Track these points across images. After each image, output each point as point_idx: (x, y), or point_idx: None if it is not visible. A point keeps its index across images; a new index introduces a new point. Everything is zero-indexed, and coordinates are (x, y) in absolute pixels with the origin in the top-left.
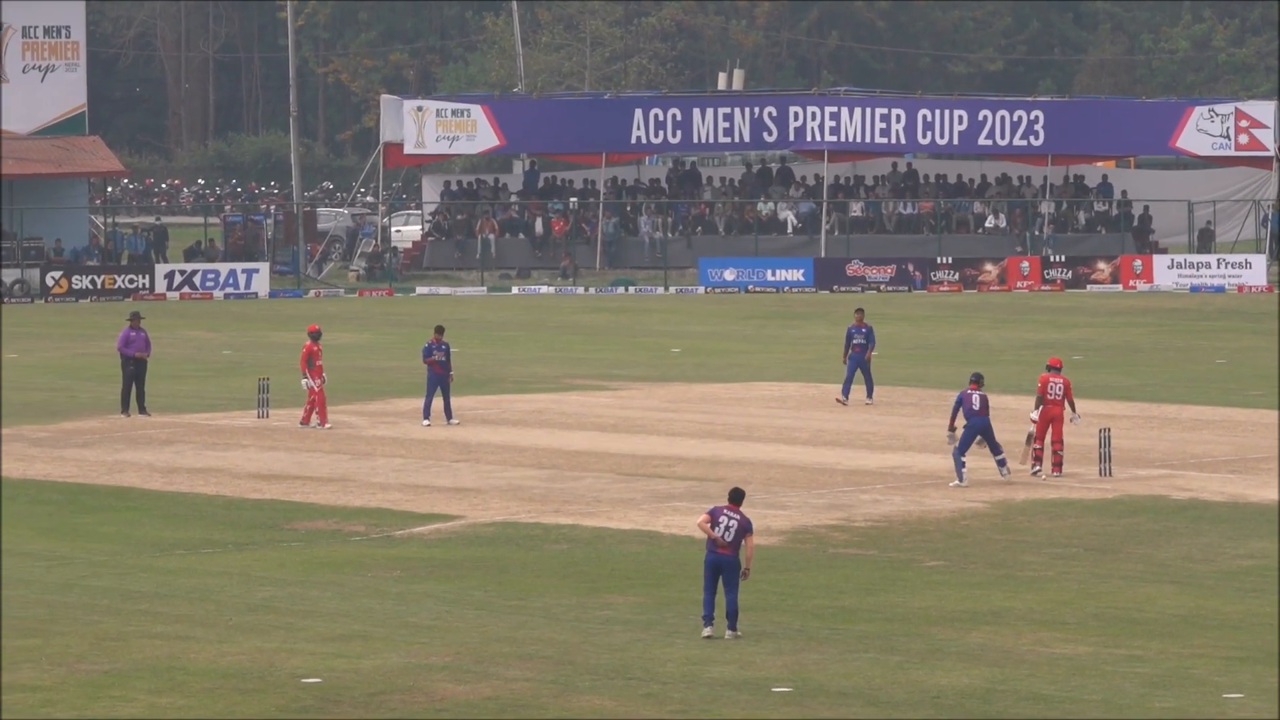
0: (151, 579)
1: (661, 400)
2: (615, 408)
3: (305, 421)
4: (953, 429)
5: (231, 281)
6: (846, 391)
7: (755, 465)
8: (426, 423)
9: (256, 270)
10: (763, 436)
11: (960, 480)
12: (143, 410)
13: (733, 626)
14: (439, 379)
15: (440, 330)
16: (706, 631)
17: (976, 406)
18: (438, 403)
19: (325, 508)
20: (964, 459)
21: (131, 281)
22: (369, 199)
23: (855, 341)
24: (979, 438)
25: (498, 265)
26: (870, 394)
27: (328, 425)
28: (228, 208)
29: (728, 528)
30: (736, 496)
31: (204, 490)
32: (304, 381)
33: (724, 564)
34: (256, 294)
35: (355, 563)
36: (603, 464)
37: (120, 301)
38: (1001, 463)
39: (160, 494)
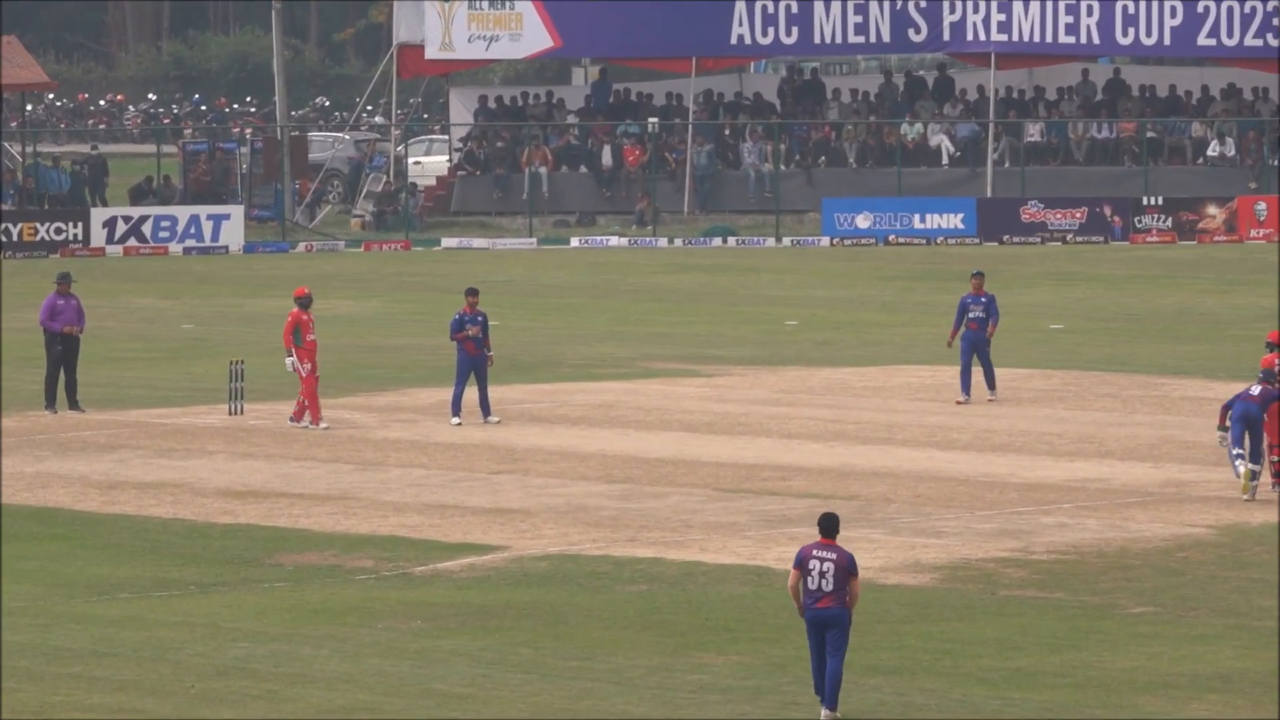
0: (86, 632)
1: (772, 390)
2: (710, 400)
3: (297, 418)
4: (1225, 427)
5: (193, 232)
6: (967, 386)
7: (899, 477)
8: (457, 420)
9: (227, 216)
10: (909, 438)
11: (1239, 476)
12: (74, 404)
13: (831, 705)
14: (473, 362)
15: (475, 295)
16: (826, 716)
17: (1255, 393)
18: (471, 394)
19: (320, 535)
20: (1239, 449)
21: (59, 231)
22: (378, 120)
23: (972, 316)
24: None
25: (552, 209)
26: (992, 386)
27: (322, 425)
28: (188, 132)
29: (824, 574)
30: (829, 526)
31: (157, 512)
32: (289, 361)
33: (828, 620)
34: (227, 248)
35: (361, 609)
36: (694, 476)
37: (43, 259)
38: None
39: (98, 517)
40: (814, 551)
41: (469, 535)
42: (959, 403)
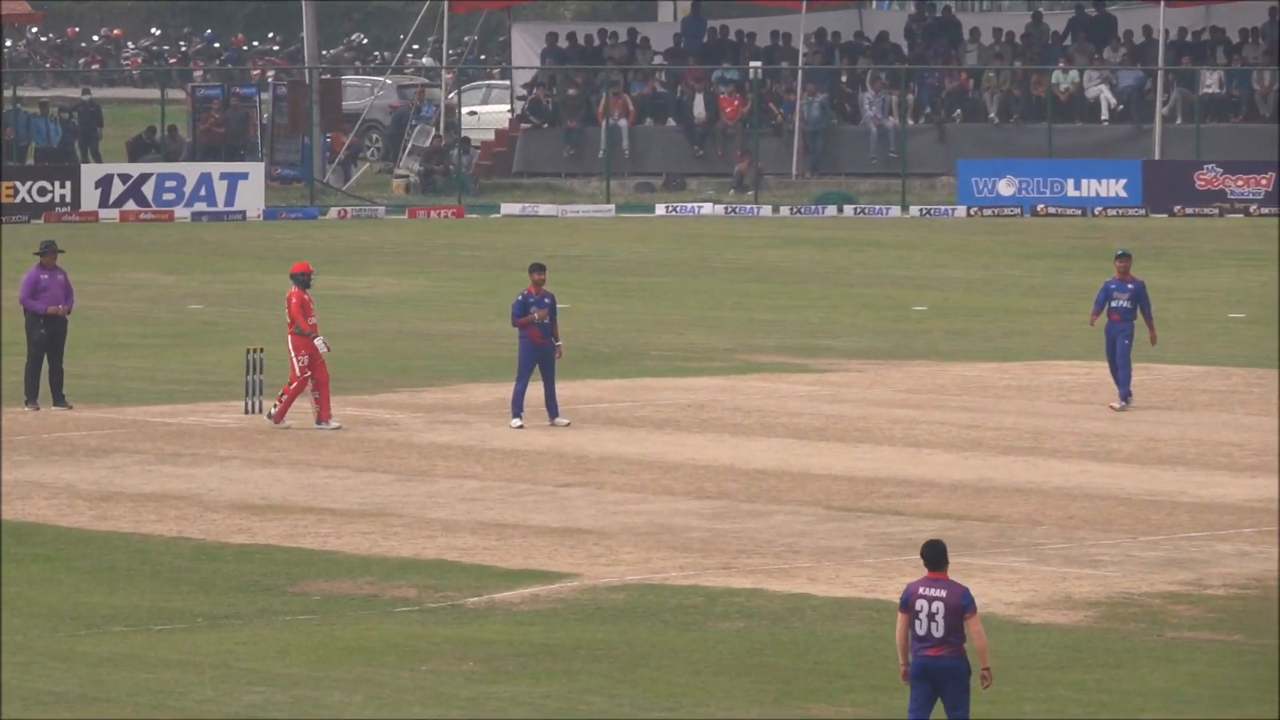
0: (73, 673)
1: (896, 389)
2: (823, 400)
3: (325, 418)
4: None
5: (204, 194)
6: (1126, 388)
7: (1047, 495)
8: (518, 422)
9: (244, 176)
10: (1060, 448)
11: None
12: (59, 399)
13: None
14: (539, 353)
15: (542, 272)
16: None
17: None
18: (536, 391)
19: (353, 559)
20: None
21: (43, 192)
22: (425, 62)
23: (1115, 306)
24: None
25: (633, 169)
26: (1125, 390)
27: (333, 424)
28: (198, 74)
29: (933, 615)
30: (935, 557)
31: (158, 529)
32: (319, 342)
33: (939, 672)
34: (244, 214)
35: (402, 648)
36: (801, 491)
37: (24, 224)
38: None
39: (87, 535)
40: (920, 589)
41: (531, 560)
42: (1114, 408)
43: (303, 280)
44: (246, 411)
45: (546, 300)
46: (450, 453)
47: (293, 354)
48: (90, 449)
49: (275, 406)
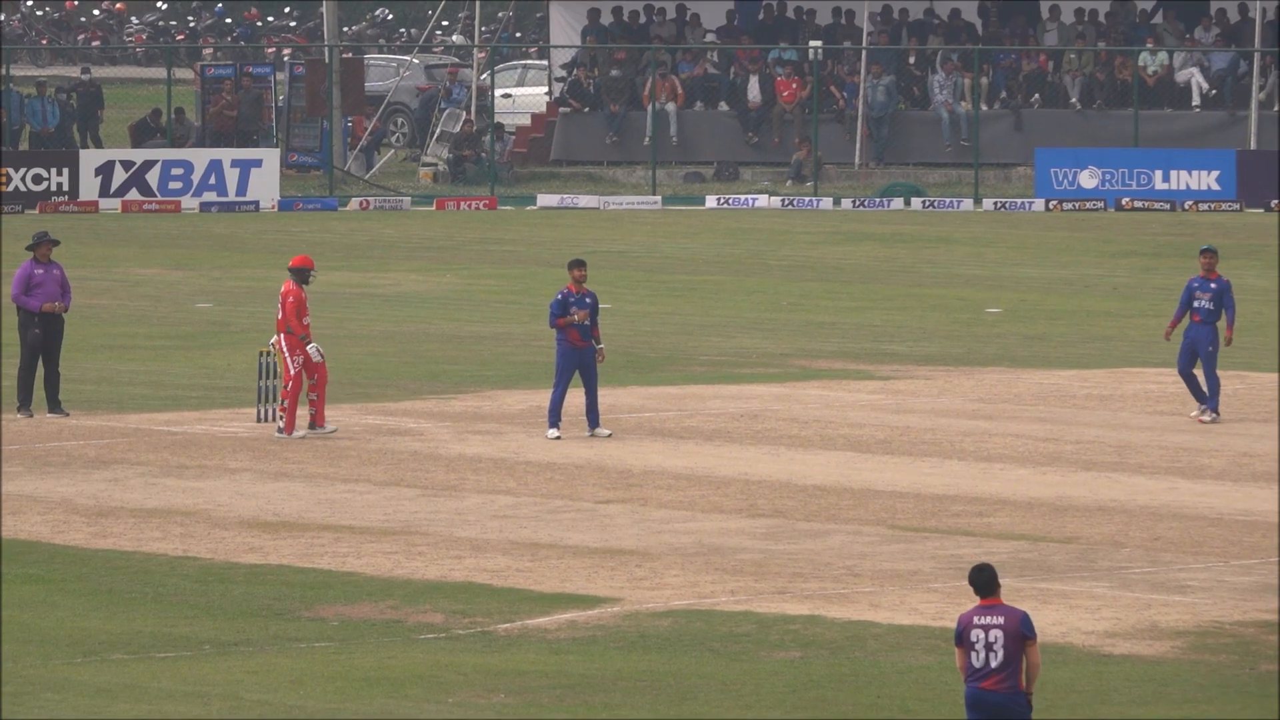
0: (69, 703)
1: (968, 398)
2: (886, 410)
3: (319, 421)
4: None
5: (213, 182)
6: (1200, 396)
7: (1131, 514)
8: (555, 433)
9: (257, 163)
10: (1145, 463)
11: None
12: (55, 406)
13: None
14: (578, 357)
15: (582, 269)
16: None
17: None
18: (576, 398)
19: (375, 581)
20: None
21: (38, 180)
22: (456, 40)
23: (1197, 306)
24: None
25: (682, 158)
26: (1212, 401)
27: (329, 427)
28: (207, 52)
29: (990, 645)
30: (986, 583)
31: (161, 548)
32: (313, 348)
33: (996, 707)
34: (257, 204)
35: (427, 679)
36: (863, 509)
37: (18, 215)
38: None
39: (85, 554)
40: (974, 619)
41: (568, 583)
42: (1198, 419)
43: (302, 276)
44: (259, 420)
45: (588, 300)
46: (481, 466)
47: (286, 355)
48: (88, 460)
49: (281, 418)
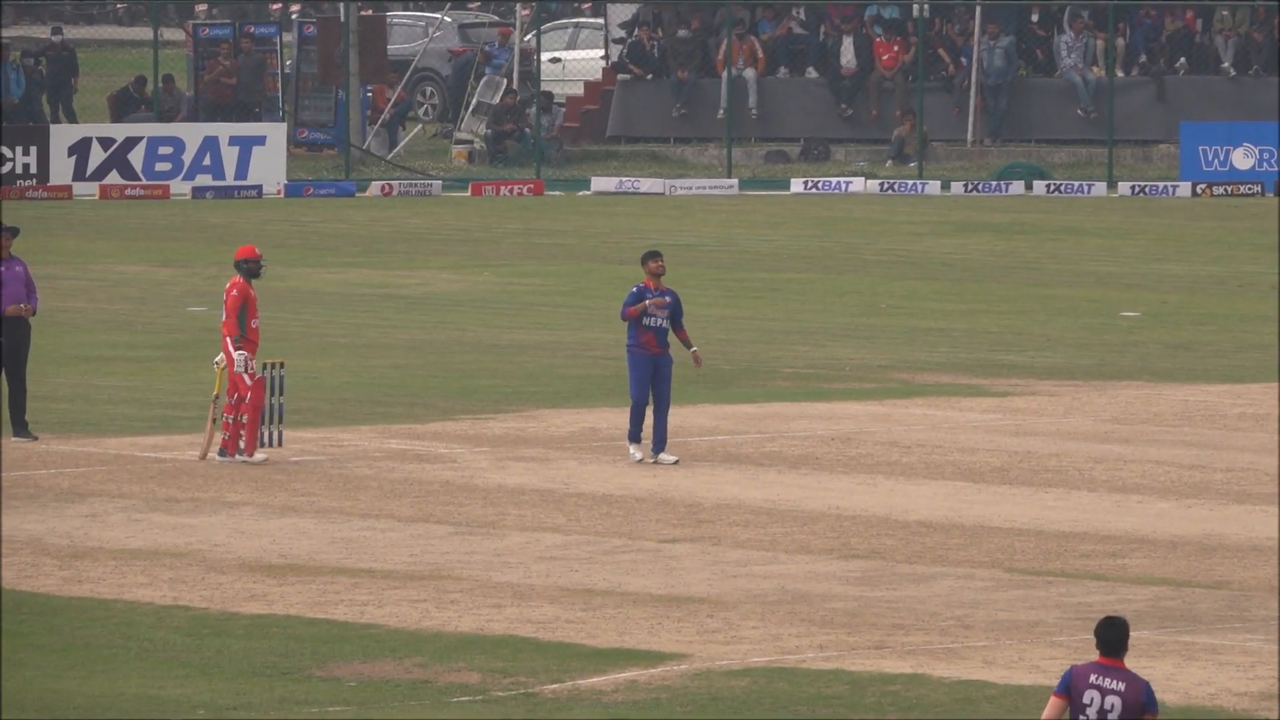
0: None
1: (1100, 418)
2: (1003, 433)
3: (232, 451)
4: None
5: (208, 164)
6: None
7: None
8: (639, 454)
9: (260, 140)
10: None
11: None
12: (20, 428)
13: None
14: (651, 365)
15: (657, 260)
16: None
17: None
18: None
19: (400, 634)
20: None
21: (0, 161)
22: None
23: None
24: None
25: (762, 134)
26: None
27: (258, 456)
28: (201, 10)
29: (1105, 713)
30: (1116, 641)
31: (147, 595)
32: (239, 357)
33: None
34: (260, 189)
35: None
36: (976, 549)
37: None
38: None
39: (57, 602)
40: (1092, 677)
41: (628, 637)
42: None
43: (249, 268)
44: (263, 444)
45: (668, 298)
46: (524, 498)
47: (250, 359)
48: (61, 492)
49: (243, 442)
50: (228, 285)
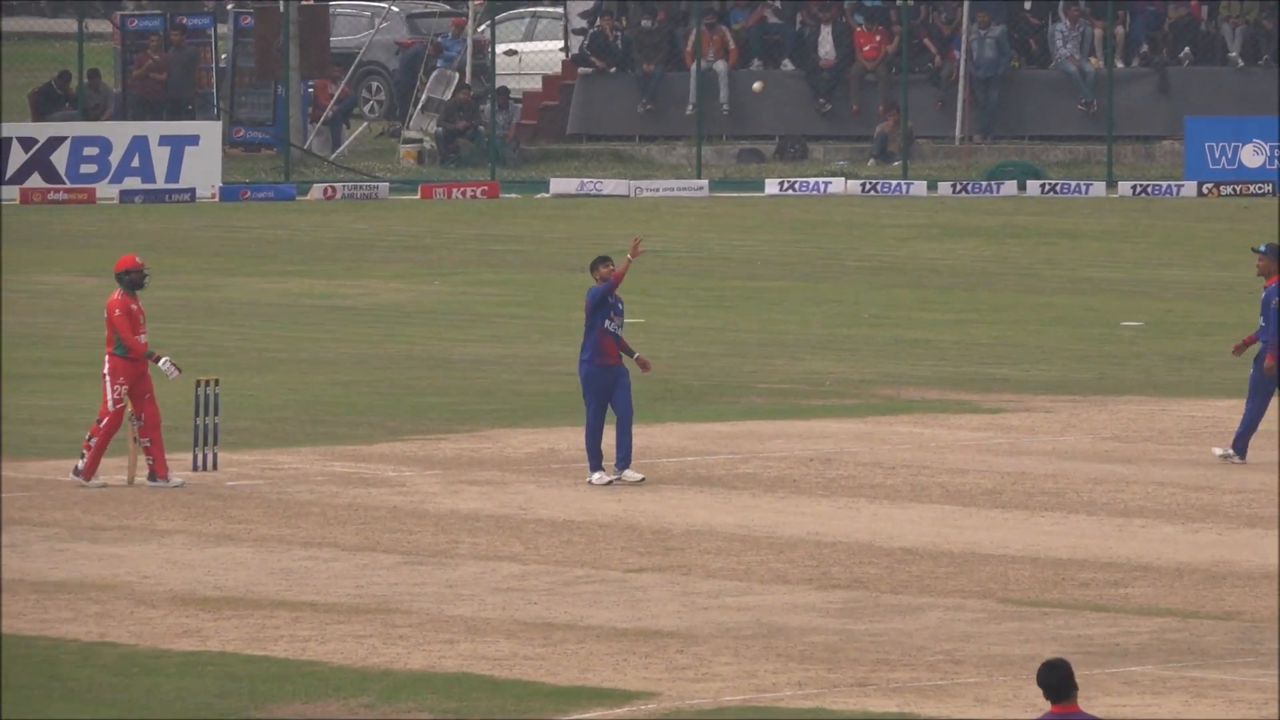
0: None
1: (1099, 435)
2: (996, 452)
3: (162, 474)
4: None
5: (137, 165)
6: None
7: None
8: (601, 476)
9: (193, 140)
10: None
11: None
12: None
13: None
14: (609, 377)
15: (608, 266)
16: None
17: None
18: (611, 434)
19: (345, 672)
20: None
21: None
22: None
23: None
24: None
25: (734, 131)
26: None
27: (175, 480)
28: (129, 0)
29: None
30: (1060, 685)
31: (72, 631)
32: (165, 363)
33: None
34: (193, 193)
35: None
36: (966, 578)
37: None
38: None
39: None
40: None
41: (591, 674)
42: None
43: (131, 281)
44: (195, 467)
45: (620, 305)
46: (478, 525)
47: (108, 382)
48: None
49: (82, 458)
50: (108, 301)
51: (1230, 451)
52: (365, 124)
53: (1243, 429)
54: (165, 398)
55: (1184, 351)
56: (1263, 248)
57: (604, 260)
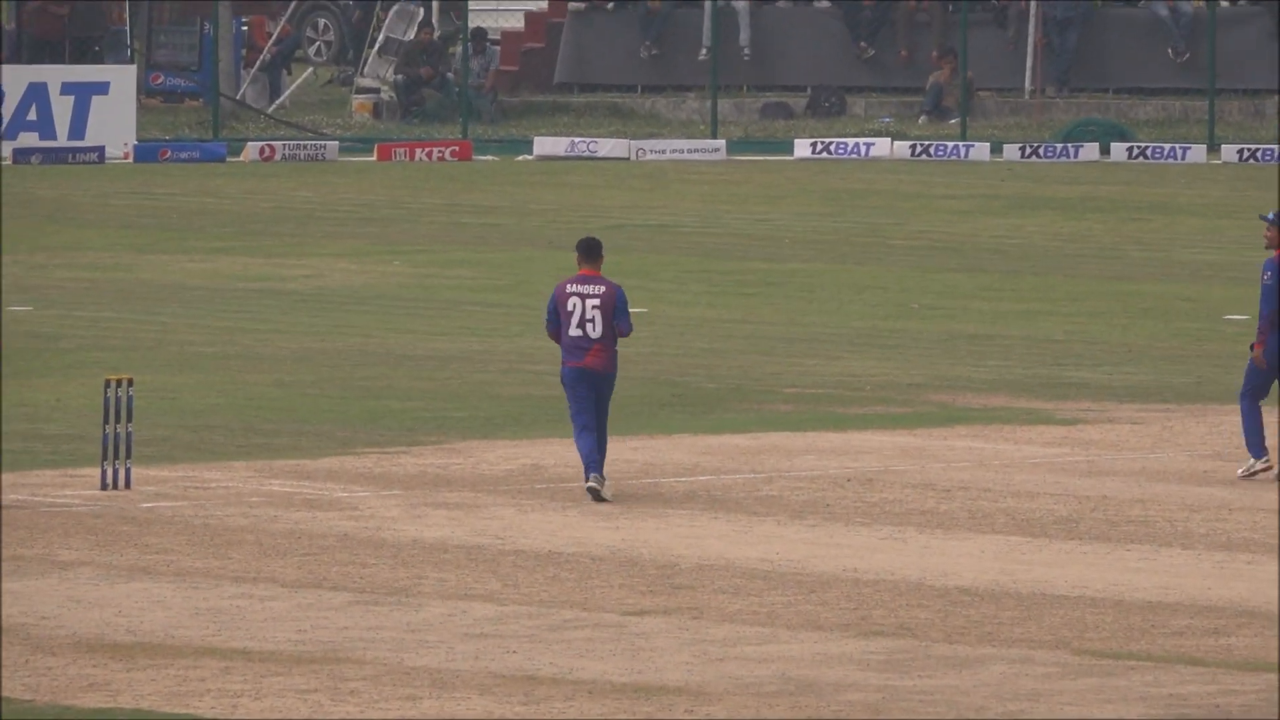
0: None
1: (1198, 451)
2: (1073, 472)
3: None
4: None
5: (33, 117)
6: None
7: None
8: (597, 486)
9: (102, 89)
10: None
11: None
12: None
13: None
14: (592, 382)
15: (592, 253)
16: None
17: None
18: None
19: None
20: None
21: None
22: None
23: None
24: None
25: (758, 80)
26: None
27: None
28: None
29: None
30: None
31: None
32: None
33: None
34: (102, 151)
35: None
36: (1035, 624)
37: None
38: None
39: None
40: None
41: None
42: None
43: None
44: (104, 486)
45: (597, 293)
46: (446, 557)
47: None
48: None
49: None
50: None
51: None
52: (310, 70)
53: None
54: (70, 398)
55: None
56: (1271, 215)
57: (588, 251)
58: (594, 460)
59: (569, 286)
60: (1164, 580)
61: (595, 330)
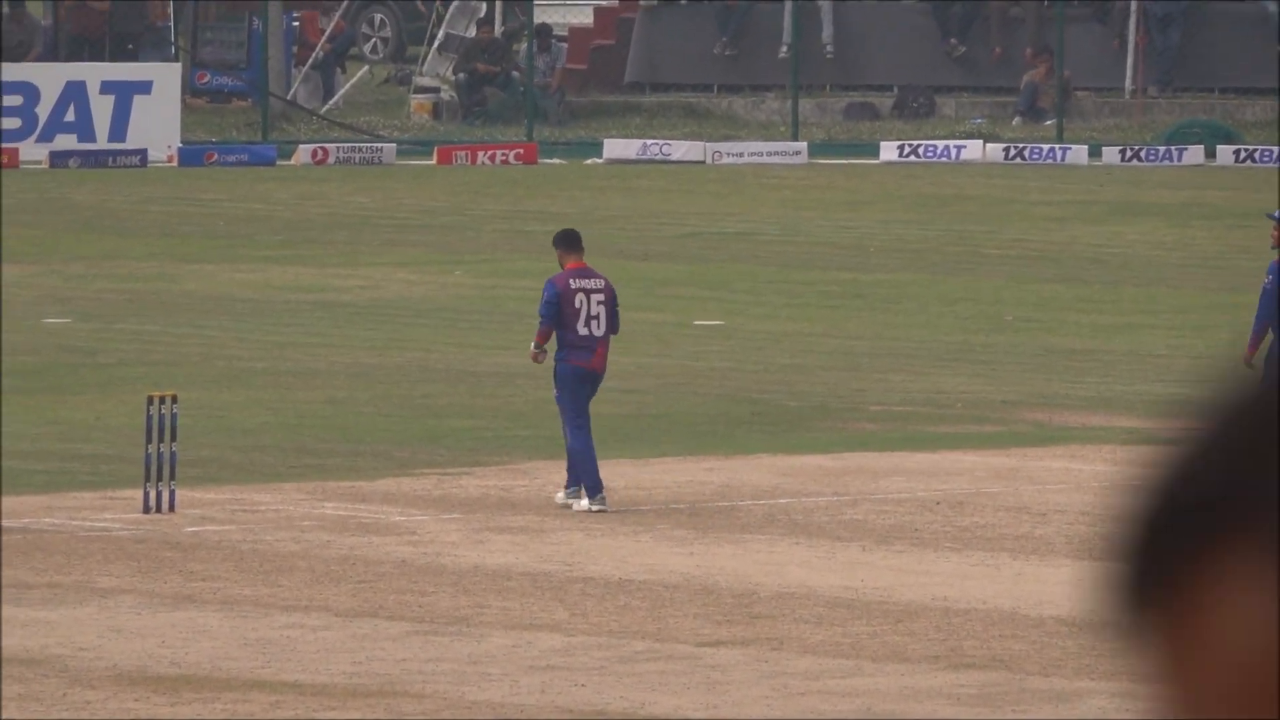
0: None
1: None
2: None
3: None
4: None
5: (71, 119)
6: None
7: None
8: (598, 504)
9: (145, 88)
10: None
11: None
12: None
13: None
14: (594, 383)
15: (578, 244)
16: None
17: None
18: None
19: None
20: None
21: None
22: None
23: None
24: None
25: (841, 80)
26: None
27: None
28: None
29: None
30: None
31: None
32: None
33: None
34: (144, 155)
35: None
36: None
37: None
38: None
39: None
40: None
41: None
42: None
43: None
44: (147, 509)
45: (604, 292)
46: (511, 584)
47: None
48: None
49: None
50: None
51: None
52: (366, 68)
53: None
54: (110, 416)
55: None
56: (1277, 214)
57: (568, 244)
58: (599, 481)
59: (572, 282)
60: None
61: (599, 328)
